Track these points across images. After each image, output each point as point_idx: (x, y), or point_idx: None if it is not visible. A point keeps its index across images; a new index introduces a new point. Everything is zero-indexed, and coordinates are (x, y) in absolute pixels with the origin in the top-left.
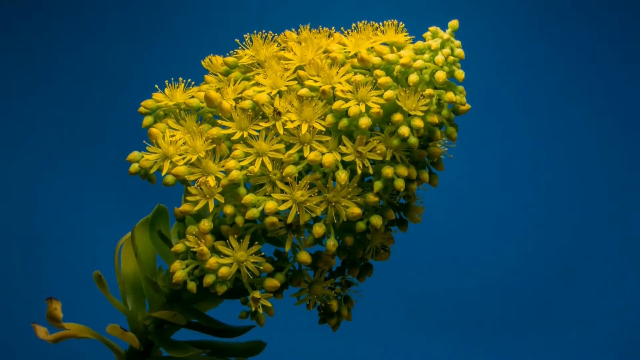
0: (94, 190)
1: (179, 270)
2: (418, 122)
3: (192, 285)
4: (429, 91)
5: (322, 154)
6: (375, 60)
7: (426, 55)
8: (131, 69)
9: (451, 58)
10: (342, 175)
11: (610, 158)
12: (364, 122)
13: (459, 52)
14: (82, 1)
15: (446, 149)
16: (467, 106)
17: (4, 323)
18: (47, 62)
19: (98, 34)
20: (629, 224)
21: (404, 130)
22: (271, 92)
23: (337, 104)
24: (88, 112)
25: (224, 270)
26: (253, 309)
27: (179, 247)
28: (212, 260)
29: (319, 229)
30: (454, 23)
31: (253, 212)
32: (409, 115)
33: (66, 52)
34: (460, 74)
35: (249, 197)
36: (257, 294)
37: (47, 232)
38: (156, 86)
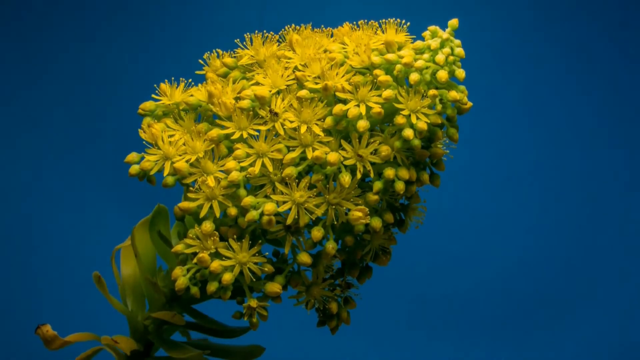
0: (93, 190)
1: (181, 277)
2: (422, 125)
3: (195, 290)
4: (432, 92)
5: (326, 153)
6: (376, 59)
7: (426, 55)
8: (131, 69)
9: (451, 57)
10: (346, 177)
11: (611, 157)
12: (362, 125)
13: (459, 51)
14: (82, 1)
15: (447, 150)
16: (469, 104)
17: (3, 324)
18: (45, 62)
19: (98, 34)
20: (629, 223)
21: (408, 132)
22: (271, 91)
23: (337, 108)
24: (87, 112)
25: (227, 277)
26: (246, 318)
27: (179, 247)
28: (216, 264)
29: (317, 233)
30: (453, 22)
31: (252, 215)
32: (410, 117)
33: (65, 52)
34: (460, 73)
35: (248, 200)
36: (253, 303)
37: (46, 233)
38: (155, 85)
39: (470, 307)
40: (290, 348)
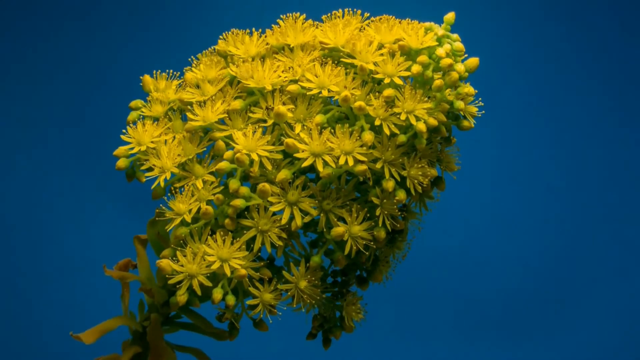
0: (92, 190)
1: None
2: (432, 121)
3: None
4: (438, 82)
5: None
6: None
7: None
8: (131, 70)
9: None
10: (368, 136)
11: (611, 157)
12: (368, 137)
13: (458, 45)
14: (83, 2)
15: (455, 157)
16: (472, 90)
17: (2, 324)
18: (46, 61)
19: (99, 34)
20: (630, 223)
21: (421, 126)
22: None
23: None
24: (87, 112)
25: (242, 272)
26: (224, 320)
27: (167, 252)
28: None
29: (340, 230)
30: (449, 17)
31: (240, 202)
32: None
33: (66, 52)
34: (461, 67)
35: (243, 189)
36: (228, 315)
37: (45, 233)
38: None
39: (470, 307)
40: (288, 348)
